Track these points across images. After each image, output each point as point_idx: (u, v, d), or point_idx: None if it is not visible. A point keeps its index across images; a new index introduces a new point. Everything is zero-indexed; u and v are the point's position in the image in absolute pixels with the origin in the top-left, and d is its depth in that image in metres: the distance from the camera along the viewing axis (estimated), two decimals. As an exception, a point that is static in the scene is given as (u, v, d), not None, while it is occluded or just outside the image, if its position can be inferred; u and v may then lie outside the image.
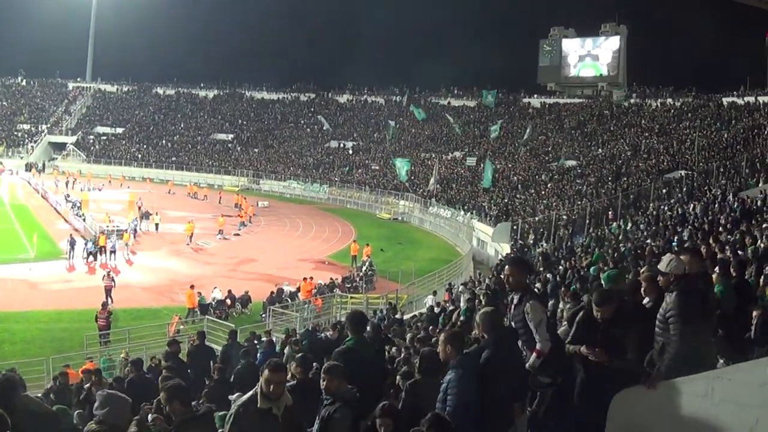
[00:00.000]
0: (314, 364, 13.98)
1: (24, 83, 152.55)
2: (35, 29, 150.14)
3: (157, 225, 72.05)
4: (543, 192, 76.85)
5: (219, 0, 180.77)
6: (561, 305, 19.15)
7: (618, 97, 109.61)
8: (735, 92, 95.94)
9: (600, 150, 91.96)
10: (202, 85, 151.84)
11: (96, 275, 51.84)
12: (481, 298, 26.66)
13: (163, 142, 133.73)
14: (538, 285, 26.00)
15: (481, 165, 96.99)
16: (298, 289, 47.39)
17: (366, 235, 71.67)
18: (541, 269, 35.07)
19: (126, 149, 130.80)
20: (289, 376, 10.72)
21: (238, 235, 72.57)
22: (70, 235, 59.70)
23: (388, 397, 12.42)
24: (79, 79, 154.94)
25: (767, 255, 18.40)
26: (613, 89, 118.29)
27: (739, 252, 20.17)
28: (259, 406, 8.35)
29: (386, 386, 12.46)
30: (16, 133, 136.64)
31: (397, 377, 13.33)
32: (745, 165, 55.35)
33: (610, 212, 54.50)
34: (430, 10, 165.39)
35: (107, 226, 64.09)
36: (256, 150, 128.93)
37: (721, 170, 57.46)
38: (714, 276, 14.01)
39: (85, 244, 57.70)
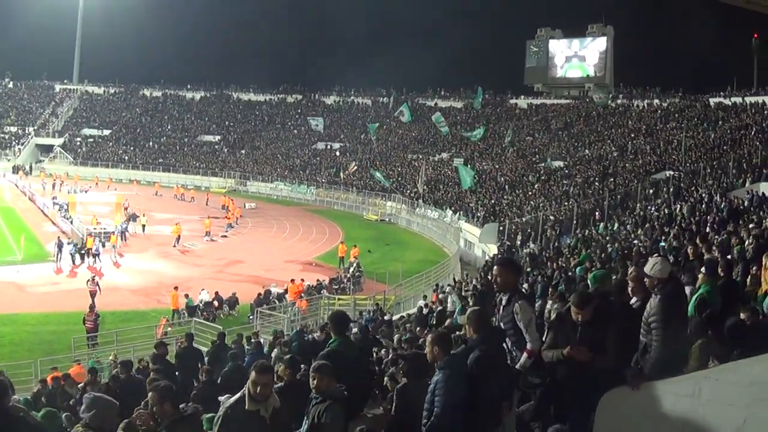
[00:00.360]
0: (302, 365, 14.00)
1: (11, 85, 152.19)
2: (22, 31, 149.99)
3: (143, 226, 71.99)
4: (530, 193, 76.82)
5: (206, 2, 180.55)
6: (549, 305, 19.18)
7: (599, 99, 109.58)
8: (722, 93, 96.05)
9: (587, 151, 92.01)
10: (188, 86, 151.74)
11: (78, 278, 51.85)
12: (469, 298, 26.73)
13: (150, 143, 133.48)
14: (525, 286, 26.01)
15: (467, 166, 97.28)
16: (286, 291, 47.39)
17: (353, 236, 71.63)
18: (529, 270, 35.15)
19: (113, 151, 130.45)
20: (276, 377, 10.68)
21: (225, 236, 72.51)
22: (58, 237, 59.80)
23: (376, 399, 12.46)
24: (66, 81, 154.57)
25: (754, 255, 18.37)
26: (594, 90, 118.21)
27: (727, 252, 20.21)
28: (246, 408, 8.35)
29: (372, 387, 12.47)
30: (3, 135, 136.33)
31: (385, 378, 13.34)
32: (732, 165, 55.51)
33: (597, 213, 54.60)
34: (417, 11, 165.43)
35: (94, 229, 63.95)
36: (243, 151, 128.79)
37: (708, 171, 57.63)
38: (700, 276, 14.07)
39: (67, 245, 57.48)
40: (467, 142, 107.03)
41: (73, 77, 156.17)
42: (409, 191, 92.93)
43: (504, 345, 9.91)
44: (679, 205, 46.18)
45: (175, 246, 65.47)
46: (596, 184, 70.52)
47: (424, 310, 32.77)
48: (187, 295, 44.77)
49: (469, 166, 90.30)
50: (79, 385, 20.94)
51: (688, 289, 12.87)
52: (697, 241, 23.66)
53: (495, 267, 10.77)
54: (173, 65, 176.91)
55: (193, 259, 61.96)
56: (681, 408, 8.40)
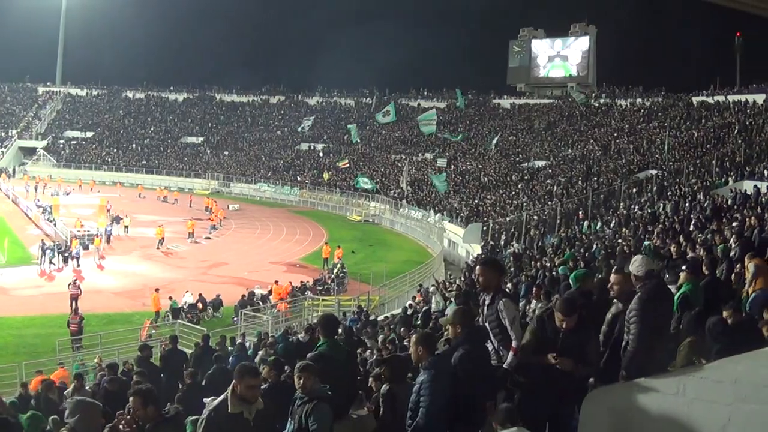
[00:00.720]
0: (286, 367, 13.99)
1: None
2: (4, 33, 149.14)
3: (126, 227, 71.92)
4: (513, 192, 76.86)
5: (188, 3, 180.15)
6: (533, 305, 19.18)
7: (579, 97, 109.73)
8: (705, 91, 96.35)
9: (570, 150, 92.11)
10: (171, 88, 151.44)
11: (57, 281, 51.77)
12: (452, 298, 26.71)
13: (133, 146, 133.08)
14: (509, 285, 26.03)
15: (451, 166, 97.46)
16: (270, 292, 47.36)
17: (337, 237, 71.57)
18: (512, 269, 35.20)
19: (96, 153, 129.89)
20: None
21: (209, 238, 72.35)
22: (42, 240, 59.47)
23: (361, 400, 12.45)
24: (48, 83, 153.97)
25: (741, 254, 18.41)
26: (575, 89, 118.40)
27: (711, 250, 20.25)
28: (230, 411, 8.34)
29: (358, 388, 12.45)
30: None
31: (370, 379, 13.33)
32: (715, 164, 55.70)
33: (580, 212, 54.67)
34: (398, 12, 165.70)
35: (78, 231, 63.79)
36: (226, 153, 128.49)
37: (692, 169, 57.80)
38: (682, 275, 14.10)
39: (44, 247, 57.26)
40: (450, 143, 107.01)
41: (55, 79, 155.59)
42: (392, 192, 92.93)
43: (487, 344, 9.92)
44: (662, 204, 46.32)
45: (158, 248, 65.28)
46: (579, 183, 70.60)
47: (408, 310, 32.78)
48: (171, 297, 44.69)
49: (436, 173, 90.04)
50: (66, 391, 20.88)
51: (672, 288, 12.87)
52: (681, 239, 23.75)
53: (477, 267, 10.81)
54: (156, 67, 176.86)
55: (177, 261, 61.88)
56: (665, 406, 8.40)
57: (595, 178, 70.43)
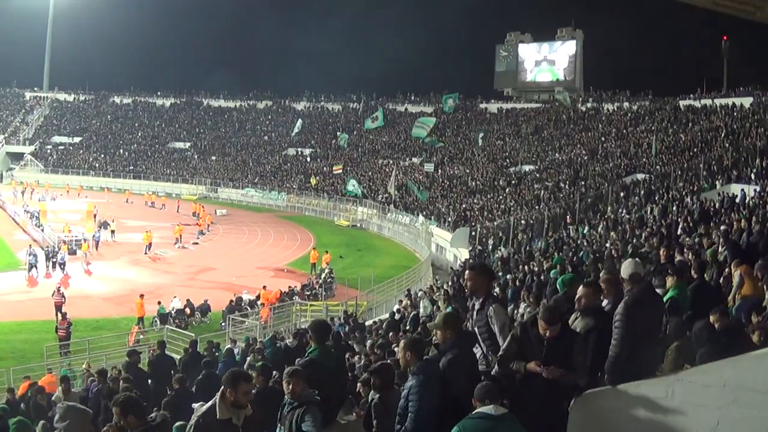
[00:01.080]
0: (274, 372, 13.98)
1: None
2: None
3: (113, 232, 71.88)
4: (501, 197, 76.86)
5: (176, 8, 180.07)
6: (521, 309, 19.20)
7: (564, 99, 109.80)
8: (692, 95, 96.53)
9: (557, 154, 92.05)
10: (159, 93, 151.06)
11: (44, 287, 51.53)
12: (440, 303, 26.72)
13: (121, 151, 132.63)
14: (496, 290, 26.02)
15: (439, 171, 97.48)
16: (258, 297, 47.31)
17: (325, 242, 71.67)
18: (501, 274, 35.19)
19: (83, 159, 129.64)
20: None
21: (196, 243, 72.31)
22: (30, 245, 59.30)
23: (351, 406, 12.45)
24: (36, 89, 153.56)
25: (731, 258, 18.43)
26: (560, 92, 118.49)
27: (699, 254, 20.28)
28: (218, 417, 8.33)
29: (347, 395, 12.45)
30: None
31: (358, 385, 13.34)
32: (702, 167, 55.80)
33: (568, 216, 54.70)
34: (385, 17, 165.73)
35: (66, 236, 63.66)
36: (213, 158, 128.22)
37: (679, 173, 57.91)
38: (669, 279, 14.14)
39: (27, 254, 57.05)
40: (437, 147, 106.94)
41: (43, 84, 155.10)
42: (380, 196, 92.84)
43: (475, 349, 9.92)
44: (650, 208, 46.40)
45: (146, 253, 65.20)
46: (567, 187, 70.69)
47: (396, 315, 32.79)
48: (159, 302, 44.67)
49: (414, 182, 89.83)
50: (55, 396, 20.86)
51: (659, 292, 12.88)
52: (669, 243, 23.77)
53: (467, 272, 10.78)
54: (143, 72, 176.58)
55: (165, 267, 61.81)
56: (654, 410, 8.42)
57: (583, 183, 70.55)
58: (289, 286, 51.15)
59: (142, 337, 39.85)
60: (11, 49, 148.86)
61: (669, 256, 19.73)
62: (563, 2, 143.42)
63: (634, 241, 33.52)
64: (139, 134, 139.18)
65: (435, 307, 28.63)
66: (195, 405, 9.56)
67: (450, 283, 38.28)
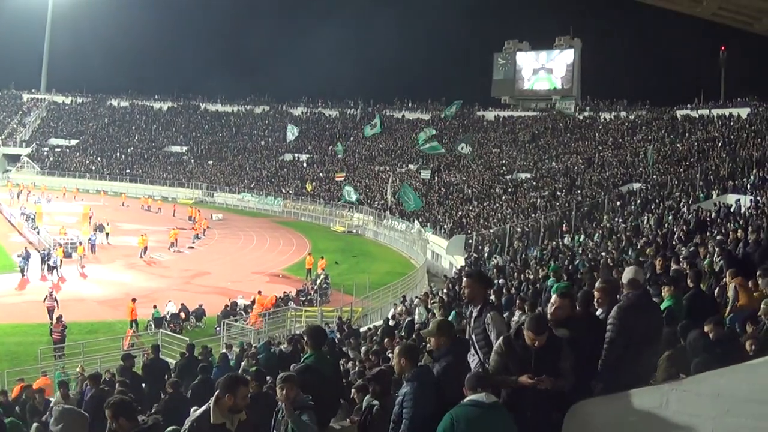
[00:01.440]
0: (268, 377, 13.97)
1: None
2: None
3: (107, 235, 71.85)
4: (497, 204, 76.88)
5: (174, 12, 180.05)
6: (516, 317, 19.19)
7: (564, 108, 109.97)
8: (689, 105, 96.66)
9: (554, 163, 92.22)
10: (156, 97, 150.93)
11: (32, 290, 51.73)
12: (435, 310, 26.69)
13: (117, 154, 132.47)
14: (492, 297, 26.01)
15: (435, 178, 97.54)
16: (253, 302, 47.27)
17: (320, 248, 71.68)
18: (496, 281, 35.20)
19: (80, 161, 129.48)
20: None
21: (192, 248, 72.30)
22: (25, 248, 59.27)
23: (346, 411, 12.46)
24: (33, 91, 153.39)
25: (724, 268, 18.44)
26: (558, 100, 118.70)
27: (694, 264, 20.28)
28: (212, 421, 8.32)
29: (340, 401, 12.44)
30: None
31: (352, 390, 13.33)
32: (699, 177, 55.87)
33: (564, 225, 54.72)
34: (384, 23, 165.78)
35: (62, 239, 63.63)
36: (210, 162, 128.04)
37: (676, 183, 57.98)
38: (665, 290, 14.15)
39: (17, 257, 57.03)
40: (433, 154, 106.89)
41: (40, 87, 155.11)
42: (376, 203, 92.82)
43: (471, 356, 9.92)
44: (646, 217, 46.45)
45: (141, 257, 65.24)
46: (563, 196, 70.72)
47: (390, 321, 32.77)
48: (155, 306, 44.67)
49: (410, 187, 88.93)
50: (54, 399, 20.86)
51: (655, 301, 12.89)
52: (665, 253, 23.79)
53: (464, 279, 10.77)
54: (140, 75, 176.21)
55: (160, 271, 61.77)
56: (648, 420, 8.42)
57: (579, 191, 70.59)
58: (285, 292, 51.04)
59: (136, 341, 39.76)
60: (9, 50, 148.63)
61: (665, 266, 19.75)
62: (562, 11, 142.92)
63: (630, 251, 33.58)
64: (136, 138, 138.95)
65: (430, 314, 28.61)
66: (192, 409, 9.55)
67: (445, 290, 38.31)
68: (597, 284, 10.90)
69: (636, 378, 9.21)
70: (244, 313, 45.68)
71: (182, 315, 45.07)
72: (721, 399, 7.72)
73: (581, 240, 47.01)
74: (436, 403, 8.67)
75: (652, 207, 51.17)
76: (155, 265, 63.99)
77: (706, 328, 11.27)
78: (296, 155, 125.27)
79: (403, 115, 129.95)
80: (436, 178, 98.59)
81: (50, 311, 43.04)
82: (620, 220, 49.64)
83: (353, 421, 11.51)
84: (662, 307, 13.06)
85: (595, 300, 10.45)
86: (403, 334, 26.48)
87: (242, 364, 23.16)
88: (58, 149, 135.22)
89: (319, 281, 54.46)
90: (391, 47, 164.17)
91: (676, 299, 13.68)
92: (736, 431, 7.58)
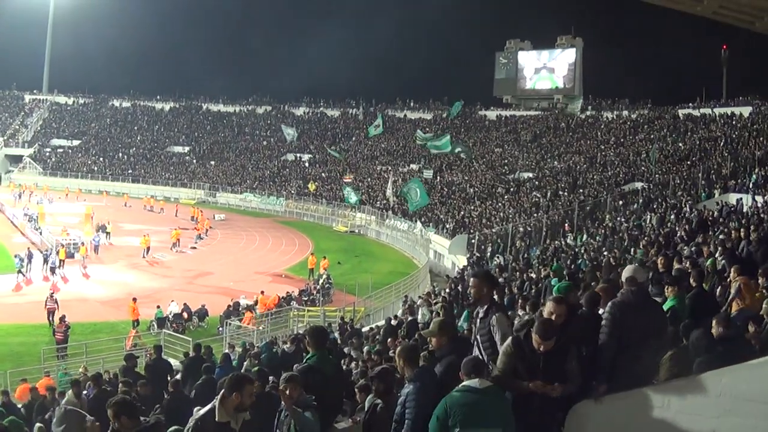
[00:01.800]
0: (271, 377, 13.98)
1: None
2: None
3: (108, 234, 71.74)
4: (499, 204, 76.81)
5: (175, 12, 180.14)
6: (518, 317, 19.20)
7: (574, 109, 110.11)
8: (691, 104, 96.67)
9: (556, 162, 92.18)
10: (158, 97, 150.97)
11: (28, 291, 51.98)
12: (438, 310, 26.66)
13: (120, 154, 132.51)
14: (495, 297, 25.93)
15: (437, 177, 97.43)
16: (256, 302, 47.29)
17: (323, 247, 71.59)
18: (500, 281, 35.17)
19: (82, 162, 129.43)
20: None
21: (194, 248, 72.25)
22: (28, 248, 59.33)
23: (345, 413, 12.46)
24: (35, 91, 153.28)
25: (726, 267, 18.42)
26: (569, 101, 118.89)
27: (697, 263, 20.24)
28: (217, 420, 8.33)
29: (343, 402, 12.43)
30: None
31: (355, 390, 13.31)
32: (701, 176, 55.84)
33: (566, 224, 54.69)
34: (386, 23, 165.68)
35: (64, 239, 63.60)
36: (212, 162, 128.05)
37: (678, 182, 57.93)
38: (667, 290, 14.13)
39: (25, 256, 56.89)
40: (436, 154, 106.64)
41: (42, 87, 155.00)
42: (379, 203, 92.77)
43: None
44: (648, 217, 46.41)
45: (144, 257, 65.21)
46: (565, 195, 70.69)
47: (393, 321, 32.76)
48: (158, 306, 44.70)
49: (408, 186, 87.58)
50: (65, 398, 20.84)
51: (658, 301, 12.87)
52: (667, 252, 23.76)
53: (471, 279, 10.76)
54: (142, 76, 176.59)
55: (163, 271, 61.78)
56: (650, 420, 8.42)
57: (581, 191, 70.54)
58: (287, 292, 50.99)
59: (139, 341, 39.74)
60: (11, 51, 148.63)
61: (667, 265, 19.73)
62: (563, 10, 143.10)
63: (632, 250, 33.57)
64: (138, 138, 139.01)
65: (434, 314, 28.58)
66: (196, 408, 9.56)
67: (448, 290, 38.27)
68: (600, 284, 10.92)
69: (637, 378, 9.21)
70: (246, 313, 45.57)
71: (185, 315, 45.06)
72: (722, 399, 7.73)
73: (584, 239, 47.00)
74: (439, 403, 8.67)
75: (655, 206, 51.13)
76: (158, 265, 63.95)
77: (713, 326, 11.26)
78: (298, 155, 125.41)
79: (405, 115, 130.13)
80: (438, 177, 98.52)
81: (51, 313, 43.08)
82: (623, 220, 49.59)
83: (355, 421, 11.51)
84: (665, 307, 13.05)
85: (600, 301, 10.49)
86: (404, 333, 26.48)
87: (245, 364, 23.15)
88: (61, 150, 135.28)
89: (321, 281, 54.42)
90: (393, 47, 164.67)
91: (679, 299, 13.66)
92: (738, 431, 7.59)
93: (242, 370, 20.36)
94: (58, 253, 57.97)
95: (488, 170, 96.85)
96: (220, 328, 43.62)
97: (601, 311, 10.40)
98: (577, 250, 42.08)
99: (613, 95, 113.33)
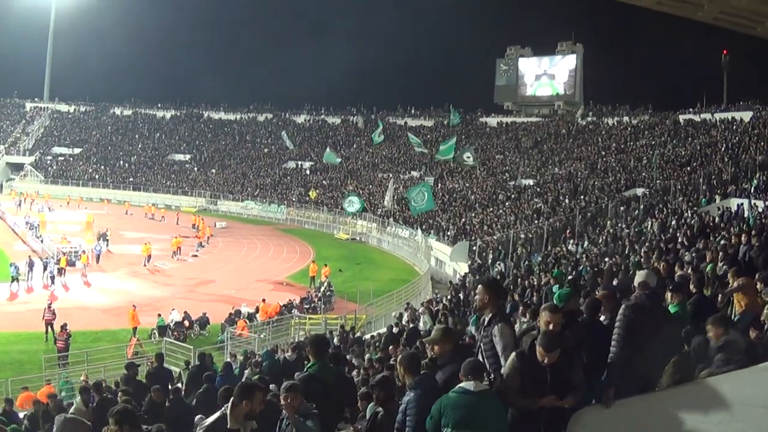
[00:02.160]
0: (272, 385, 13.97)
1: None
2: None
3: (107, 241, 71.59)
4: (501, 211, 76.76)
5: (176, 20, 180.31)
6: (518, 325, 19.18)
7: (580, 114, 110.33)
8: (691, 109, 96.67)
9: (557, 168, 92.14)
10: (159, 105, 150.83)
11: (17, 301, 52.00)
12: (440, 317, 26.65)
13: (121, 162, 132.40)
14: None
15: (438, 184, 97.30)
16: (257, 310, 47.30)
17: (324, 255, 71.49)
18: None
19: (83, 170, 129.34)
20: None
21: (195, 256, 72.25)
22: (29, 256, 59.30)
23: (347, 420, 12.44)
24: (36, 99, 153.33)
25: (726, 272, 18.41)
26: (574, 107, 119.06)
27: (698, 269, 20.23)
28: (229, 427, 8.39)
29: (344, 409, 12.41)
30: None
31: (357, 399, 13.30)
32: (702, 182, 55.84)
33: (567, 231, 54.71)
34: (386, 30, 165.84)
35: (64, 248, 63.55)
36: (213, 170, 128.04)
37: (679, 187, 57.96)
38: (669, 296, 14.11)
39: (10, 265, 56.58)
40: (437, 161, 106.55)
41: (43, 95, 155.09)
42: (380, 210, 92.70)
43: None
44: (650, 222, 46.39)
45: (145, 265, 65.15)
46: (566, 201, 70.66)
47: (394, 329, 32.75)
48: (159, 315, 44.68)
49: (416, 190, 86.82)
50: (73, 407, 20.85)
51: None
52: (668, 258, 23.75)
53: (477, 286, 10.71)
54: (143, 84, 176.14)
55: (164, 279, 61.76)
56: (652, 425, 8.41)
57: (582, 197, 70.49)
58: (289, 300, 51.01)
59: (140, 349, 39.75)
60: (12, 59, 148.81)
61: (668, 271, 19.72)
62: (563, 16, 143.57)
63: (633, 256, 33.54)
64: (139, 146, 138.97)
65: (437, 321, 28.56)
66: (198, 417, 9.56)
67: (449, 297, 38.29)
68: (601, 291, 10.92)
69: (642, 383, 9.19)
70: (248, 321, 45.55)
71: (186, 323, 45.01)
72: (724, 405, 7.71)
73: (585, 246, 47.00)
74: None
75: (656, 212, 51.12)
76: (159, 273, 63.97)
77: (708, 329, 11.21)
78: (299, 163, 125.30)
79: (406, 122, 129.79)
80: (439, 184, 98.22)
81: (49, 324, 42.79)
82: (624, 226, 49.58)
83: (357, 429, 11.50)
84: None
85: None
86: (406, 341, 26.46)
87: (246, 372, 23.14)
88: (62, 158, 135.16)
89: (322, 289, 54.44)
90: (393, 54, 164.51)
91: (681, 305, 13.66)
92: (740, 437, 7.58)
93: (244, 378, 20.37)
94: (58, 261, 57.92)
95: (489, 177, 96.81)
96: (221, 336, 43.49)
97: (602, 318, 10.40)
98: (578, 256, 42.10)
99: (614, 101, 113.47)
